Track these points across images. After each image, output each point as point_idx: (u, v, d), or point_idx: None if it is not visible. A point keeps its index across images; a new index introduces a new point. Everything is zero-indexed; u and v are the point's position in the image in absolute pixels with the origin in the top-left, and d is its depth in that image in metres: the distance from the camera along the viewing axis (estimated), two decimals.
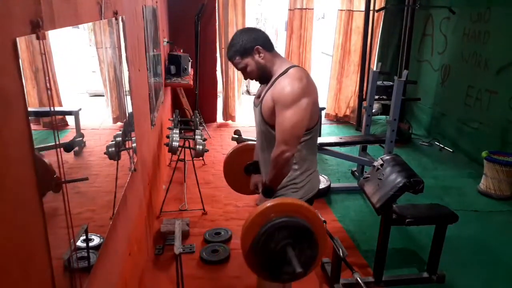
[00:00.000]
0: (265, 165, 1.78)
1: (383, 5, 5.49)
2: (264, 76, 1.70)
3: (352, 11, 5.61)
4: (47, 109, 0.89)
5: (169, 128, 3.40)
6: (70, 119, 1.22)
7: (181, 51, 4.86)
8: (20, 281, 0.76)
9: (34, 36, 0.81)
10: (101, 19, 1.41)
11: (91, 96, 1.76)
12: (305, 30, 5.62)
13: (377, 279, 2.45)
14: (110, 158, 1.54)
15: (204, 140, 3.19)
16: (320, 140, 3.59)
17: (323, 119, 5.98)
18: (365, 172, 3.70)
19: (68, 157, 1.08)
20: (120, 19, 1.72)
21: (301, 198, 1.70)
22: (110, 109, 1.73)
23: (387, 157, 2.61)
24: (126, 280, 1.73)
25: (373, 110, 4.62)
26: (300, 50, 5.69)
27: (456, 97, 4.81)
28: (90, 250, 1.20)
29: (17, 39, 0.75)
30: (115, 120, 1.78)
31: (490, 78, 4.27)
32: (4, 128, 0.71)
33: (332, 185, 3.70)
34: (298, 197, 1.70)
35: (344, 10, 5.63)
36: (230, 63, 6.01)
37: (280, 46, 6.89)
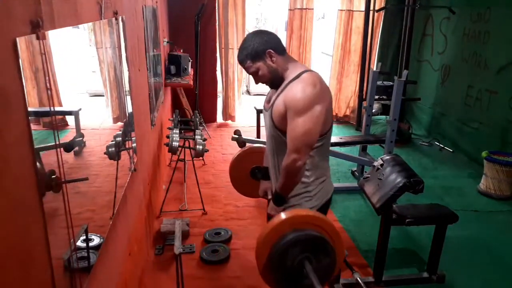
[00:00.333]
0: (275, 170, 1.74)
1: (383, 5, 5.49)
2: (275, 81, 1.64)
3: (352, 11, 5.61)
4: (47, 109, 0.89)
5: (169, 128, 3.40)
6: (70, 119, 1.22)
7: (181, 51, 4.86)
8: (20, 281, 0.76)
9: (34, 36, 0.81)
10: (101, 19, 1.41)
11: (91, 96, 1.76)
12: (305, 30, 5.62)
13: (377, 279, 2.45)
14: (110, 158, 1.54)
15: (204, 140, 3.19)
16: None
17: None
18: (365, 172, 3.70)
19: (68, 157, 1.08)
20: (120, 19, 1.72)
21: (315, 206, 1.68)
22: (110, 109, 1.73)
23: (387, 157, 2.61)
24: (126, 280, 1.73)
25: (373, 110, 4.62)
26: (300, 50, 5.70)
27: (456, 97, 4.81)
28: (90, 250, 1.20)
29: (17, 39, 0.75)
30: (115, 120, 1.78)
31: (490, 78, 4.27)
32: (4, 128, 0.71)
33: None
34: (312, 206, 1.68)
35: (344, 10, 5.63)
36: (230, 65, 5.99)
37: None
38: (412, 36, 5.21)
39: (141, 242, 2.24)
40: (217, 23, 5.39)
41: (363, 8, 5.49)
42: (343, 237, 2.95)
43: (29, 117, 0.80)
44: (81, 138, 1.27)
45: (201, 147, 3.08)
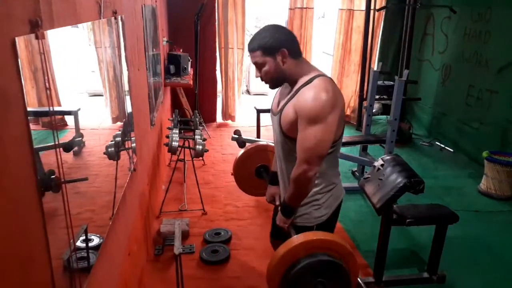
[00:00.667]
0: (283, 176, 1.69)
1: (383, 4, 5.48)
2: (278, 81, 1.58)
3: (353, 10, 5.61)
4: (46, 109, 0.89)
5: (169, 128, 3.40)
6: (69, 119, 1.22)
7: (181, 50, 4.86)
8: (20, 281, 0.76)
9: (33, 35, 0.81)
10: (100, 19, 1.41)
11: (90, 96, 1.75)
12: (305, 29, 5.61)
13: (377, 279, 2.45)
14: (110, 158, 1.53)
15: (204, 140, 3.19)
16: None
17: None
18: (366, 172, 3.70)
19: (68, 157, 1.08)
20: (119, 18, 1.71)
21: (324, 214, 1.64)
22: (109, 109, 1.73)
23: (388, 157, 2.60)
24: (126, 280, 1.72)
25: (374, 110, 4.61)
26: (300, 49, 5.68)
27: (457, 97, 4.81)
28: (90, 250, 1.19)
29: (16, 38, 0.74)
30: (115, 120, 1.78)
31: (490, 78, 4.26)
32: (4, 128, 0.70)
33: None
34: (321, 214, 1.64)
35: (345, 9, 5.63)
36: (230, 65, 5.96)
37: None
38: (413, 35, 5.20)
39: (140, 242, 2.24)
40: (216, 23, 5.39)
41: (363, 7, 5.48)
42: (343, 237, 2.96)
43: (28, 117, 0.80)
44: (80, 138, 1.27)
45: (201, 147, 3.08)
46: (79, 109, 1.26)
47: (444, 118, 5.13)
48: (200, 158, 3.92)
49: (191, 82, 4.61)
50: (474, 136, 4.53)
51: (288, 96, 1.55)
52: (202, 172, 4.07)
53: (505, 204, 3.58)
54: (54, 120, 0.92)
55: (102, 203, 1.46)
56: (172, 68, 4.56)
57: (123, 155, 1.75)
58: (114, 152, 1.56)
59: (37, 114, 0.90)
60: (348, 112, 6.03)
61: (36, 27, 0.81)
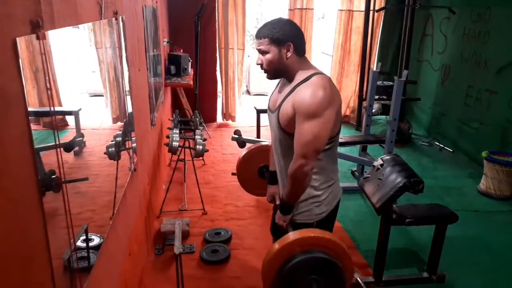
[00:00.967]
0: (282, 174, 1.70)
1: (383, 5, 5.49)
2: (276, 73, 1.60)
3: (352, 11, 5.61)
4: (47, 109, 0.89)
5: (169, 128, 3.40)
6: (70, 119, 1.22)
7: (181, 51, 4.86)
8: (20, 281, 0.76)
9: (34, 36, 0.81)
10: (101, 19, 1.41)
11: (91, 96, 1.76)
12: (305, 30, 5.60)
13: (377, 279, 2.45)
14: (110, 158, 1.54)
15: (204, 140, 3.19)
16: None
17: None
18: (365, 172, 3.70)
19: (68, 157, 1.08)
20: (120, 19, 1.72)
21: (324, 211, 1.65)
22: (109, 109, 1.73)
23: (387, 157, 2.61)
24: (126, 280, 1.73)
25: (373, 110, 4.62)
26: None
27: (456, 97, 4.81)
28: (90, 250, 1.20)
29: (17, 39, 0.75)
30: (115, 120, 1.78)
31: (490, 78, 4.27)
32: (4, 128, 0.71)
33: None
34: (322, 211, 1.65)
35: (344, 10, 5.63)
36: (230, 65, 5.96)
37: None
38: (412, 36, 5.21)
39: (141, 242, 2.24)
40: (217, 23, 5.39)
41: (363, 8, 5.49)
42: (342, 236, 2.96)
43: (29, 117, 0.80)
44: (81, 138, 1.27)
45: (201, 147, 3.08)
46: (79, 109, 1.26)
47: (444, 118, 5.13)
48: (200, 158, 3.93)
49: (192, 83, 4.61)
50: (473, 136, 4.53)
51: (286, 93, 1.57)
52: (202, 172, 4.07)
53: (504, 204, 3.58)
54: (55, 120, 0.93)
55: (103, 203, 1.46)
56: (172, 68, 4.57)
57: (124, 155, 1.75)
58: (114, 152, 1.57)
59: (38, 114, 0.90)
60: (347, 112, 6.03)
61: (37, 28, 0.82)
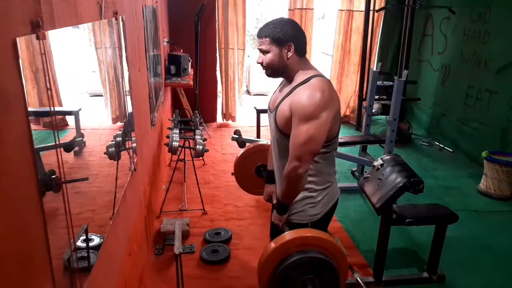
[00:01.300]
0: (279, 172, 1.71)
1: (383, 5, 5.49)
2: (276, 72, 1.59)
3: (352, 11, 5.61)
4: (47, 109, 0.89)
5: (169, 128, 3.40)
6: (70, 119, 1.22)
7: (181, 51, 4.86)
8: (20, 281, 0.76)
9: (34, 36, 0.81)
10: (101, 19, 1.41)
11: (91, 96, 1.76)
12: (305, 30, 5.55)
13: (377, 279, 2.45)
14: (110, 158, 1.54)
15: (204, 140, 3.19)
16: None
17: None
18: (365, 172, 3.70)
19: (68, 157, 1.08)
20: (120, 19, 1.72)
21: (319, 213, 1.66)
22: (109, 110, 1.73)
23: (387, 157, 2.61)
24: (126, 280, 1.73)
25: (373, 110, 4.62)
26: None
27: (456, 97, 4.81)
28: (90, 250, 1.20)
29: (17, 39, 0.75)
30: (114, 121, 1.78)
31: (490, 78, 4.27)
32: (4, 128, 0.71)
33: None
34: (317, 212, 1.65)
35: (344, 10, 5.63)
36: (230, 65, 5.95)
37: None
38: (412, 36, 5.21)
39: (141, 242, 2.24)
40: (217, 23, 5.39)
41: (363, 8, 5.49)
42: (342, 236, 2.96)
43: (29, 117, 0.80)
44: (81, 138, 1.27)
45: (201, 147, 3.08)
46: (80, 109, 1.26)
47: (444, 118, 5.13)
48: (200, 158, 3.93)
49: (192, 83, 4.61)
50: (473, 136, 4.53)
51: (285, 94, 1.57)
52: (202, 172, 4.07)
53: (504, 204, 3.58)
54: (55, 120, 0.93)
55: (103, 203, 1.46)
56: (172, 68, 4.57)
57: (124, 155, 1.75)
58: (114, 152, 1.57)
59: (38, 114, 0.90)
60: (347, 112, 6.03)
61: (37, 28, 0.82)
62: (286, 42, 1.52)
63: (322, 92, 1.47)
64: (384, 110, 5.67)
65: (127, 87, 1.90)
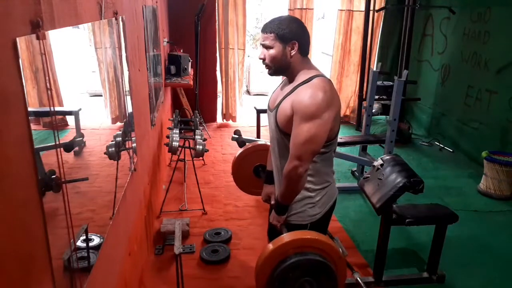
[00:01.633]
0: (279, 173, 1.70)
1: (383, 5, 5.49)
2: (278, 70, 1.58)
3: (352, 11, 5.61)
4: (47, 109, 0.89)
5: (169, 128, 3.40)
6: (70, 119, 1.22)
7: (181, 51, 4.86)
8: (20, 281, 0.76)
9: (34, 36, 0.81)
10: (101, 19, 1.41)
11: (91, 96, 1.76)
12: None
13: (377, 279, 2.45)
14: (110, 158, 1.54)
15: (204, 140, 3.19)
16: None
17: None
18: (365, 172, 3.70)
19: (68, 157, 1.08)
20: (120, 19, 1.72)
21: (318, 213, 1.65)
22: (108, 110, 1.73)
23: (387, 157, 2.61)
24: (126, 280, 1.73)
25: (373, 110, 4.62)
26: None
27: (456, 97, 4.81)
28: (90, 250, 1.20)
29: (17, 39, 0.75)
30: (114, 121, 1.78)
31: (490, 78, 4.27)
32: (4, 128, 0.71)
33: None
34: (315, 212, 1.65)
35: (344, 10, 5.63)
36: (230, 65, 5.94)
37: None
38: (412, 36, 5.21)
39: (141, 242, 2.24)
40: (217, 23, 5.39)
41: (363, 8, 5.49)
42: (342, 236, 2.96)
43: (29, 117, 0.80)
44: (81, 138, 1.27)
45: (201, 147, 3.08)
46: (80, 109, 1.26)
47: (444, 118, 5.13)
48: (200, 158, 3.93)
49: (192, 83, 4.61)
50: (473, 136, 4.53)
51: (286, 93, 1.57)
52: (202, 172, 4.07)
53: (504, 204, 3.58)
54: (55, 120, 0.93)
55: (103, 203, 1.46)
56: (172, 68, 4.57)
57: (124, 155, 1.75)
58: (114, 152, 1.57)
59: (38, 114, 0.90)
60: (347, 112, 6.03)
61: (37, 28, 0.82)
62: (291, 40, 1.51)
63: (324, 92, 1.47)
64: (384, 110, 5.67)
65: (127, 87, 1.90)
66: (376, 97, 4.38)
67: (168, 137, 3.19)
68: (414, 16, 5.14)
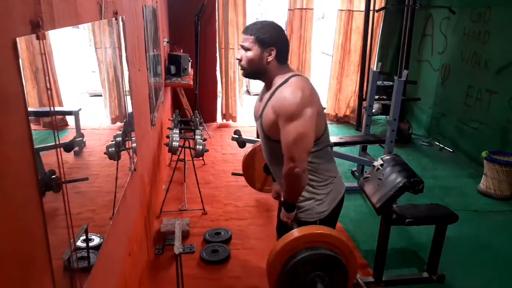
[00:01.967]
0: (278, 177, 1.72)
1: (383, 5, 5.49)
2: (253, 73, 1.60)
3: (352, 11, 5.61)
4: (47, 109, 0.89)
5: (169, 128, 3.40)
6: (70, 119, 1.22)
7: (181, 51, 4.86)
8: (20, 281, 0.76)
9: (34, 36, 0.81)
10: (101, 19, 1.41)
11: (91, 96, 1.76)
12: (305, 30, 5.61)
13: (377, 279, 2.45)
14: (110, 158, 1.54)
15: (204, 140, 3.20)
16: None
17: None
18: (365, 172, 3.70)
19: (68, 157, 1.08)
20: (120, 19, 1.72)
21: (327, 209, 1.67)
22: (108, 110, 1.73)
23: (387, 157, 2.61)
24: (126, 280, 1.73)
25: (373, 110, 4.62)
26: (300, 50, 5.70)
27: (456, 97, 4.81)
28: (90, 250, 1.20)
29: (17, 39, 0.75)
30: (114, 121, 1.78)
31: (490, 78, 4.27)
32: (4, 128, 0.71)
33: None
34: (324, 209, 1.66)
35: (344, 10, 5.63)
36: (230, 65, 5.93)
37: None
38: (412, 36, 5.21)
39: (141, 242, 2.24)
40: (217, 23, 5.39)
41: (363, 8, 5.49)
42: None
43: (29, 117, 0.80)
44: (81, 138, 1.27)
45: (201, 147, 3.08)
46: (80, 109, 1.26)
47: (444, 118, 5.13)
48: (200, 158, 3.93)
49: (192, 83, 4.61)
50: (473, 136, 4.53)
51: (267, 99, 1.57)
52: (202, 172, 4.07)
53: (504, 204, 3.58)
54: (55, 120, 0.93)
55: (103, 203, 1.46)
56: (172, 68, 4.57)
57: (124, 155, 1.75)
58: (114, 152, 1.57)
59: (38, 114, 0.90)
60: (347, 112, 6.03)
61: (37, 28, 0.82)
62: (269, 46, 1.53)
63: (302, 90, 1.48)
64: (384, 110, 5.67)
65: (127, 87, 1.90)
66: (376, 97, 4.38)
67: (168, 137, 3.19)
68: (414, 16, 5.14)
